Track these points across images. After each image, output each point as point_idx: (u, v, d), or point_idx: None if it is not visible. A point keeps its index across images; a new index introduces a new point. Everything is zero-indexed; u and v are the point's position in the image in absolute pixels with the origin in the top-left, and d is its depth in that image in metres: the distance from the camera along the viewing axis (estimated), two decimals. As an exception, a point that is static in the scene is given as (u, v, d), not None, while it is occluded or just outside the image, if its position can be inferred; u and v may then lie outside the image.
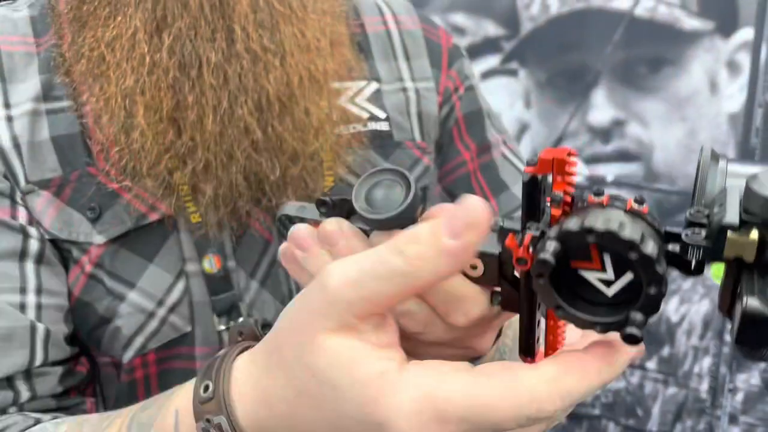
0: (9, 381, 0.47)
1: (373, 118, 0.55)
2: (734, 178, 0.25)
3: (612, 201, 0.26)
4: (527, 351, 0.31)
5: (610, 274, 0.26)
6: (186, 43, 0.45)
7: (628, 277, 0.25)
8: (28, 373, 0.47)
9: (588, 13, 1.05)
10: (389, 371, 0.26)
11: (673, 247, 0.25)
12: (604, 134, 1.08)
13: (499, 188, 0.60)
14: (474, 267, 0.29)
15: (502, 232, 0.29)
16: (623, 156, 1.07)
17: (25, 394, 0.47)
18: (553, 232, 0.25)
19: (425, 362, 0.27)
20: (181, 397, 0.33)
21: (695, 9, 1.00)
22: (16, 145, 0.49)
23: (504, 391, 0.25)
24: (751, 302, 0.23)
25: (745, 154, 1.01)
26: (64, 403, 0.49)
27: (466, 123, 0.60)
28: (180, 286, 0.50)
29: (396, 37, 0.59)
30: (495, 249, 0.29)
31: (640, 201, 0.25)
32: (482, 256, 0.29)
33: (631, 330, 0.24)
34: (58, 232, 0.49)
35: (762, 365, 1.05)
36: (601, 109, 1.07)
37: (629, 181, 1.08)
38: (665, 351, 1.10)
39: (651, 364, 1.11)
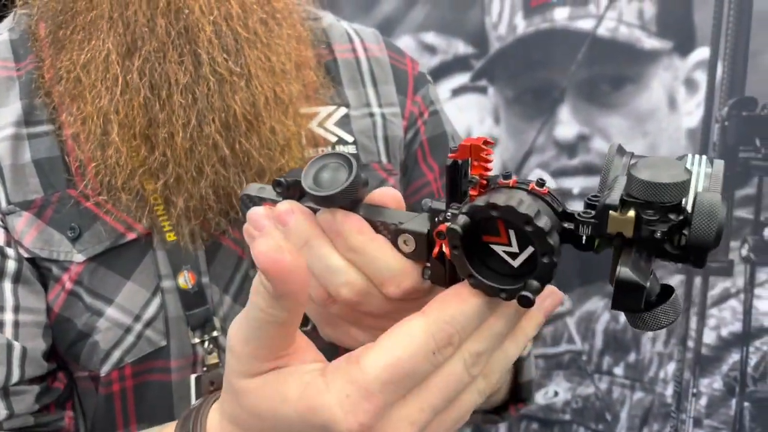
0: None
1: (341, 141, 0.58)
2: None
3: (518, 183, 0.30)
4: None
5: (515, 247, 0.29)
6: (155, 66, 0.48)
7: (530, 250, 0.29)
8: (5, 391, 0.49)
9: (553, 33, 1.09)
10: (312, 381, 0.29)
11: (568, 225, 0.29)
12: (570, 149, 1.12)
13: None
14: (406, 243, 0.33)
15: (431, 212, 0.32)
16: (588, 169, 1.11)
17: (2, 412, 0.48)
18: (464, 208, 0.29)
19: (338, 359, 0.30)
20: None
21: (654, 29, 1.05)
22: None
23: (401, 336, 0.29)
24: (624, 271, 0.26)
25: (704, 168, 1.05)
26: (43, 420, 0.51)
27: (430, 146, 0.63)
28: (156, 301, 0.52)
29: (364, 64, 0.62)
30: (424, 227, 0.32)
31: (540, 184, 0.29)
32: (413, 234, 0.33)
33: (526, 293, 0.28)
34: (39, 251, 0.51)
35: (724, 370, 1.09)
36: (567, 124, 1.11)
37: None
38: (631, 357, 1.13)
39: (618, 370, 1.14)
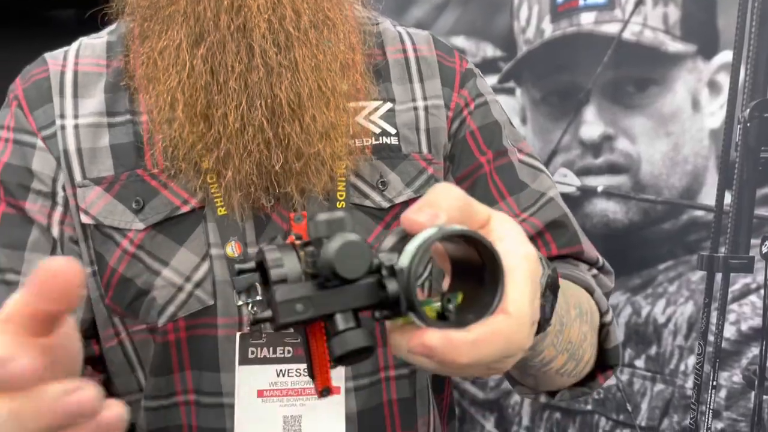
0: None
1: (385, 133, 0.64)
2: None
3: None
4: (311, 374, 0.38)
5: None
6: (216, 55, 0.55)
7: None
8: None
9: (579, 37, 1.13)
10: None
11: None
12: (594, 148, 1.16)
13: (519, 187, 0.66)
14: None
15: None
16: (612, 168, 1.15)
17: None
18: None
19: None
20: None
21: (678, 33, 1.08)
22: (79, 149, 0.60)
23: None
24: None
25: (726, 167, 1.08)
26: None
27: (481, 133, 0.67)
28: (205, 266, 0.59)
29: (413, 63, 0.67)
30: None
31: (298, 237, 0.36)
32: None
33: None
34: (103, 219, 0.60)
35: (743, 364, 1.11)
36: (592, 124, 1.15)
37: (618, 192, 1.15)
38: (653, 350, 1.17)
39: (639, 363, 1.18)
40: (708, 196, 1.08)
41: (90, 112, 0.61)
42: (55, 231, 0.61)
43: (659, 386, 1.16)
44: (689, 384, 1.13)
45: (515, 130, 0.70)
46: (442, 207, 0.34)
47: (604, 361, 0.61)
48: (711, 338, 1.11)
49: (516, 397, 1.28)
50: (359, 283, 0.32)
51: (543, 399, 0.61)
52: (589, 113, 1.15)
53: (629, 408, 1.19)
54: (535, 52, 1.17)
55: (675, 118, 1.10)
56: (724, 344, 1.10)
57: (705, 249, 1.09)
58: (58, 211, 0.61)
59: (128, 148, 0.61)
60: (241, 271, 0.35)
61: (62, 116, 0.61)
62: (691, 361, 1.13)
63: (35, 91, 0.62)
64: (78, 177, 0.60)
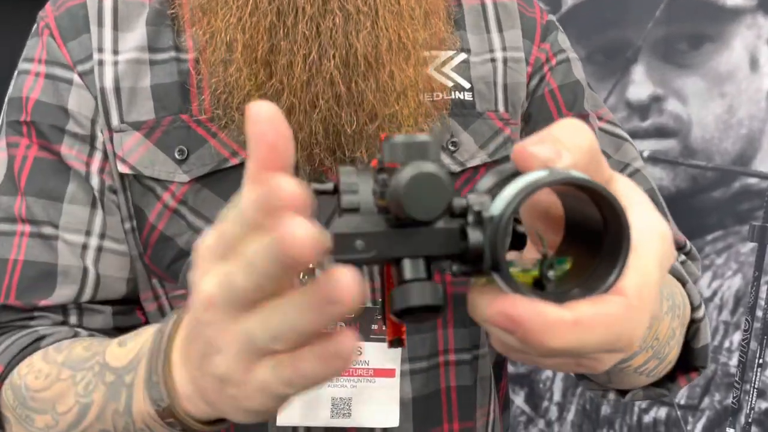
0: (63, 309, 0.53)
1: (458, 87, 0.57)
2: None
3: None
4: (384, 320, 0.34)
5: None
6: None
7: None
8: (79, 306, 0.53)
9: (630, -10, 1.07)
10: None
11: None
12: (642, 110, 1.09)
13: None
14: None
15: None
16: (660, 132, 1.09)
17: (73, 319, 0.53)
18: None
19: None
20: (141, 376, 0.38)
21: (738, -14, 1.01)
22: (117, 89, 0.54)
23: None
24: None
25: (784, 132, 1.02)
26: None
27: (562, 93, 0.61)
28: None
29: (491, 11, 0.61)
30: None
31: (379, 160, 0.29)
32: None
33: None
34: (143, 169, 0.53)
35: (793, 342, 1.06)
36: (640, 84, 1.09)
37: (665, 157, 1.09)
38: (696, 325, 1.12)
39: (681, 338, 1.13)
40: (763, 162, 1.02)
41: (130, 47, 0.55)
42: (95, 181, 0.54)
43: (701, 363, 1.12)
44: (733, 361, 1.09)
45: (595, 95, 0.63)
46: (567, 146, 0.27)
47: (689, 361, 0.54)
48: (759, 314, 1.06)
49: (547, 372, 1.24)
50: (437, 227, 0.26)
51: (611, 397, 0.55)
52: (638, 72, 1.08)
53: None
54: (580, 6, 1.10)
55: (731, 77, 1.03)
56: (773, 320, 1.05)
57: (757, 219, 1.04)
58: (97, 157, 0.54)
59: (171, 90, 0.54)
60: (318, 192, 0.29)
61: (100, 50, 0.55)
62: (737, 337, 1.08)
63: (69, 19, 0.55)
64: (115, 120, 0.54)
